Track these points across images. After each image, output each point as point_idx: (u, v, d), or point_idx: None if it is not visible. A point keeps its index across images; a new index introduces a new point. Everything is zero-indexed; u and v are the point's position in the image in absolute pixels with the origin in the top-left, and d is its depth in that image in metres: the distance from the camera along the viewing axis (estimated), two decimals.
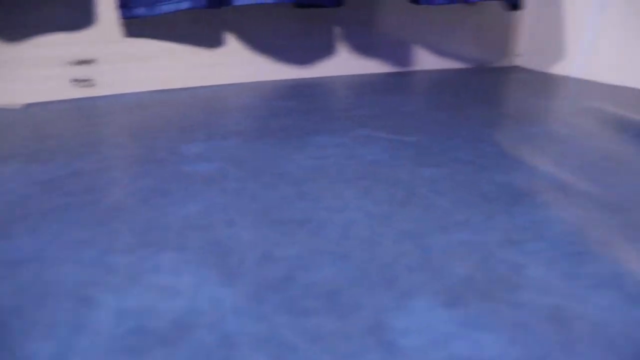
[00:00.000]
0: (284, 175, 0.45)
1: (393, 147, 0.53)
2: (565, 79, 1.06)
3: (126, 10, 0.75)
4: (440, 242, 0.33)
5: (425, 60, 1.08)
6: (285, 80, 0.89)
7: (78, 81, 0.77)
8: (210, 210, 0.38)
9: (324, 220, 0.36)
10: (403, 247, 0.33)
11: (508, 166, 0.48)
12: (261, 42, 0.88)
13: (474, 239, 0.34)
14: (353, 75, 0.96)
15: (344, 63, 0.97)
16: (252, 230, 0.35)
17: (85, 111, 0.68)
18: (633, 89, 0.97)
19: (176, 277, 0.29)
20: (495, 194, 0.41)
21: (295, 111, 0.67)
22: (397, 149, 0.53)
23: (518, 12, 1.21)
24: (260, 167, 0.47)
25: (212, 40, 0.84)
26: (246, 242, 0.33)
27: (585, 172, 0.48)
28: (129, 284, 0.28)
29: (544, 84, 1.00)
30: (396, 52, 1.03)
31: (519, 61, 1.22)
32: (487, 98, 0.83)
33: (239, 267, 0.30)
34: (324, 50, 0.94)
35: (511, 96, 0.86)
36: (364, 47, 0.98)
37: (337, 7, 0.85)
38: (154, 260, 0.31)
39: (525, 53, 1.22)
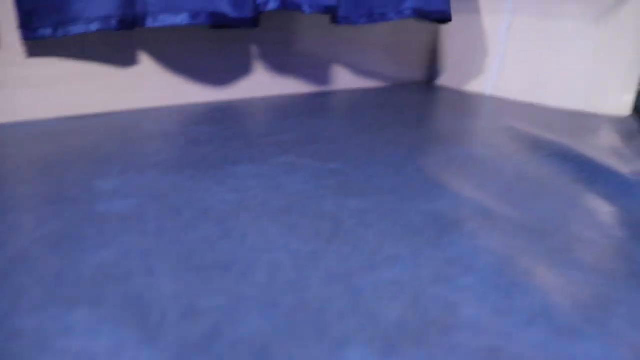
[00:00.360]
0: (207, 211, 0.43)
1: (317, 175, 0.53)
2: (480, 97, 1.10)
3: (28, 31, 0.70)
4: (370, 282, 0.33)
5: (344, 80, 1.08)
6: (204, 104, 0.87)
7: None
8: (127, 257, 0.35)
9: (249, 263, 0.35)
10: (333, 289, 0.32)
11: (433, 193, 0.49)
12: (178, 63, 0.85)
13: (404, 277, 0.33)
14: (273, 97, 0.95)
15: (262, 84, 0.95)
16: (174, 279, 0.32)
17: None
18: (542, 107, 1.02)
19: (91, 340, 0.26)
20: (422, 225, 0.42)
21: (216, 138, 0.65)
22: (321, 178, 0.52)
23: (434, 31, 1.24)
24: (181, 203, 0.44)
25: (125, 62, 0.80)
26: (168, 292, 0.31)
27: (507, 196, 0.49)
28: (37, 352, 0.25)
29: (460, 102, 1.03)
30: (315, 71, 1.04)
31: (436, 79, 1.26)
32: (407, 119, 0.84)
33: (160, 324, 0.28)
34: (242, 71, 0.93)
35: (430, 116, 0.88)
36: (282, 67, 0.98)
37: (253, 28, 0.84)
38: (65, 319, 0.28)
39: (441, 71, 1.25)
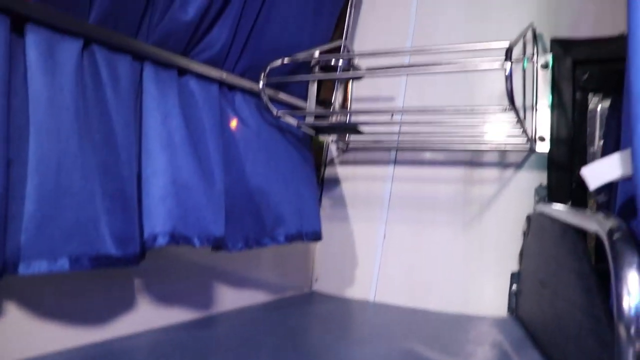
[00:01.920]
0: None
1: None
2: (365, 305, 1.11)
3: None
4: None
5: (230, 299, 1.04)
6: (81, 347, 0.75)
7: None
8: None
9: None
10: None
11: None
12: (48, 306, 0.73)
13: None
14: (158, 330, 0.86)
15: (146, 317, 0.86)
16: None
17: None
18: (425, 311, 1.05)
19: None
20: None
21: None
22: None
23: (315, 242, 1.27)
24: None
25: None
26: None
27: None
28: None
29: (351, 316, 1.03)
30: (200, 295, 0.98)
31: (318, 287, 1.26)
32: (310, 352, 0.81)
33: None
34: (123, 306, 0.84)
35: (328, 344, 0.85)
36: (165, 296, 0.91)
37: (137, 264, 0.78)
38: None
39: (322, 279, 1.26)
